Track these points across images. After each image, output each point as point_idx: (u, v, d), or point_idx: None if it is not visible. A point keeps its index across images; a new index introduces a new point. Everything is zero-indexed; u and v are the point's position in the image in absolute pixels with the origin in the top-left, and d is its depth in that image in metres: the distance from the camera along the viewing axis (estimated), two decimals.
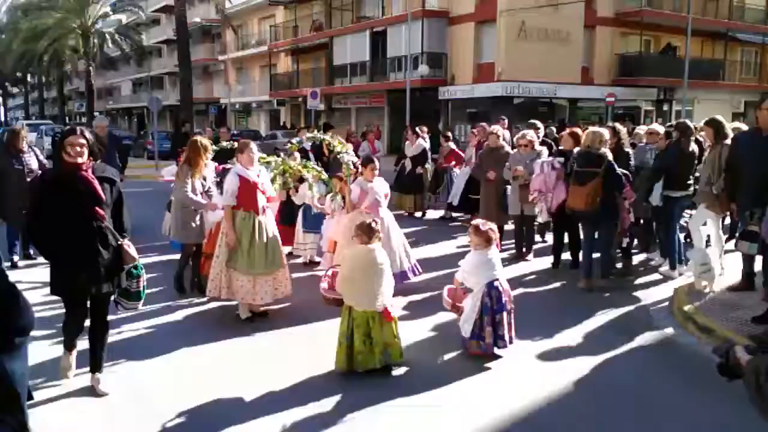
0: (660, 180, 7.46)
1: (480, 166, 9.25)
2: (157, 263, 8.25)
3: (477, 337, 5.05)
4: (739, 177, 6.39)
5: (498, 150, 9.00)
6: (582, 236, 7.51)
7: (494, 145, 9.06)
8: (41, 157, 8.48)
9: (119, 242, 4.27)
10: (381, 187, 7.02)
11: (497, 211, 8.69)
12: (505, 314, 5.06)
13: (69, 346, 4.53)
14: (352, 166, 7.48)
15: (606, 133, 7.20)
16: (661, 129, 8.35)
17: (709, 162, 7.04)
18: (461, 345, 5.20)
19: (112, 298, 4.40)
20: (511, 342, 5.11)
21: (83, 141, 4.16)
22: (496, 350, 5.10)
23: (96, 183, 4.16)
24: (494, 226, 5.30)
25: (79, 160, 4.12)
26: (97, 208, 4.13)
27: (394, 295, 5.11)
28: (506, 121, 12.19)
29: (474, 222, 5.35)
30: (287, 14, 37.93)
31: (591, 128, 7.57)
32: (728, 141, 6.92)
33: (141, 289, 4.43)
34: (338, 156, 7.83)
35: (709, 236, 7.58)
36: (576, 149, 7.65)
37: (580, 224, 7.54)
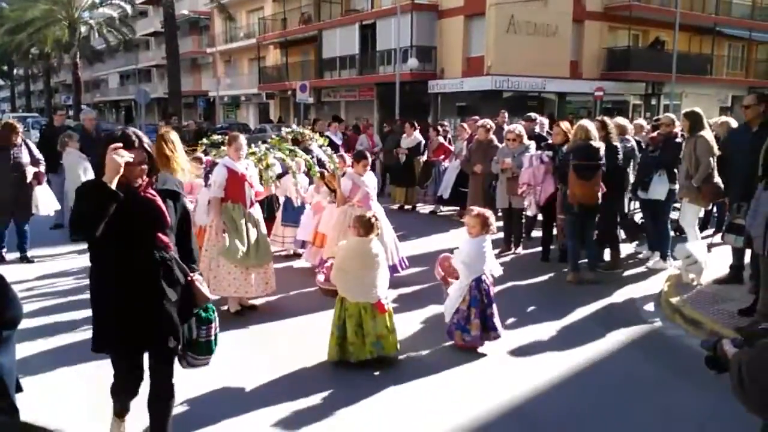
0: (655, 173, 7.55)
1: (468, 160, 9.26)
2: None
3: (461, 329, 5.07)
4: (730, 171, 6.46)
5: (486, 143, 9.04)
6: (567, 230, 7.49)
7: (483, 139, 9.09)
8: (35, 151, 8.23)
9: (189, 277, 3.24)
10: (371, 180, 7.04)
11: (484, 205, 8.69)
12: (494, 306, 5.12)
13: (119, 411, 3.51)
14: (336, 159, 7.54)
15: (592, 126, 7.22)
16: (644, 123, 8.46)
17: (686, 155, 7.10)
18: (446, 332, 5.23)
19: (178, 351, 3.31)
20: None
21: (145, 156, 3.01)
22: (484, 345, 5.13)
23: (160, 203, 3.08)
24: (490, 212, 5.33)
25: (140, 182, 3.03)
26: (160, 235, 3.08)
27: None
28: (506, 114, 12.14)
29: (470, 207, 5.38)
30: (276, 7, 37.70)
31: (581, 122, 7.59)
32: (703, 133, 6.98)
33: (213, 337, 3.40)
34: (321, 149, 7.84)
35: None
36: (567, 143, 7.69)
37: (574, 218, 7.43)
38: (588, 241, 7.32)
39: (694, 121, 7.09)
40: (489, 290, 5.13)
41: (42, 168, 8.18)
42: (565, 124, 8.19)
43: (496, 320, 5.13)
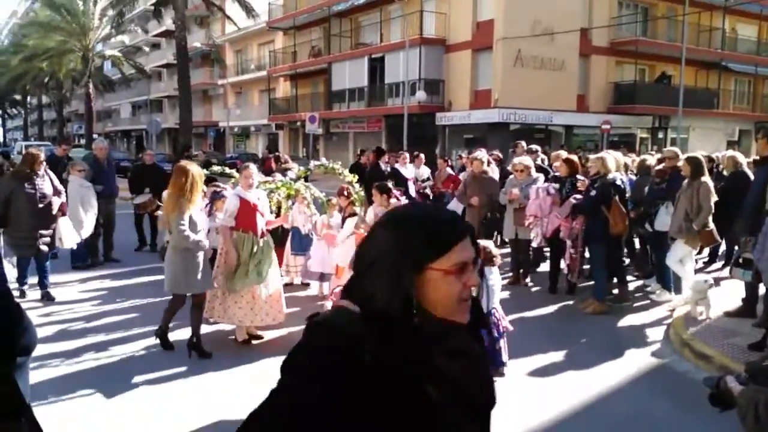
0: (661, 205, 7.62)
1: (464, 192, 9.13)
2: (152, 284, 8.27)
3: None
4: (738, 205, 6.53)
5: (482, 175, 8.95)
6: (598, 260, 7.45)
7: (478, 171, 8.97)
8: (56, 181, 7.78)
9: None
10: None
11: (481, 237, 8.70)
12: (503, 341, 5.10)
13: None
14: (358, 191, 7.55)
15: None
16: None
17: (687, 198, 7.11)
18: None
19: None
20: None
21: None
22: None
23: None
24: (491, 244, 5.32)
25: None
26: None
27: None
28: (524, 144, 12.01)
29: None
30: (286, 40, 38.33)
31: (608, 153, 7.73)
32: (704, 179, 7.04)
33: None
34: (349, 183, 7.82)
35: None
36: (573, 175, 7.79)
37: (606, 249, 7.40)
38: (600, 273, 7.35)
39: (696, 167, 7.15)
40: (498, 324, 5.10)
41: (63, 198, 7.79)
42: (573, 157, 8.26)
43: (505, 356, 5.10)
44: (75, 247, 8.37)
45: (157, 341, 5.81)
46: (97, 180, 9.48)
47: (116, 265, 9.58)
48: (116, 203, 10.20)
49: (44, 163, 7.58)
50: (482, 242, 5.23)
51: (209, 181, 8.86)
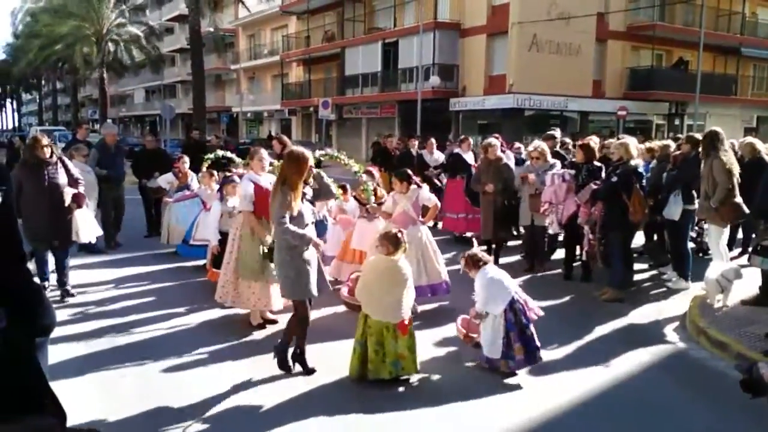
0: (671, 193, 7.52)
1: (478, 179, 8.98)
2: (165, 271, 8.34)
3: (505, 357, 4.90)
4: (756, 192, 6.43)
5: (496, 162, 8.84)
6: (619, 249, 7.32)
7: (492, 158, 8.84)
8: (73, 169, 7.09)
9: None
10: (427, 198, 6.81)
11: (494, 225, 8.66)
12: (531, 326, 4.99)
13: None
14: (367, 181, 7.50)
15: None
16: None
17: (704, 176, 7.06)
18: (485, 364, 5.04)
19: None
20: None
21: None
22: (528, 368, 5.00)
23: None
24: (475, 249, 5.25)
25: None
26: None
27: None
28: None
29: (462, 256, 5.26)
30: (300, 25, 38.19)
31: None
32: (720, 154, 6.95)
33: None
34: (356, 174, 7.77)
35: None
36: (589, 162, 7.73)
37: (626, 236, 7.33)
38: (618, 260, 7.31)
39: (710, 142, 7.07)
40: (524, 310, 4.98)
41: (81, 188, 7.05)
42: (594, 139, 8.16)
43: (537, 341, 4.97)
44: (94, 240, 7.65)
45: (171, 326, 5.84)
46: (103, 164, 9.58)
47: (127, 249, 9.63)
48: (124, 188, 10.28)
49: (57, 150, 6.98)
50: (470, 251, 5.17)
51: (218, 166, 8.91)
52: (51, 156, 6.77)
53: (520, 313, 4.94)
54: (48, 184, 6.66)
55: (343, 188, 7.77)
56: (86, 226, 7.16)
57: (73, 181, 6.93)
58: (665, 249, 8.48)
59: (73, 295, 7.00)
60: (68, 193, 6.81)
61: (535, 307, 5.14)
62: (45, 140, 6.79)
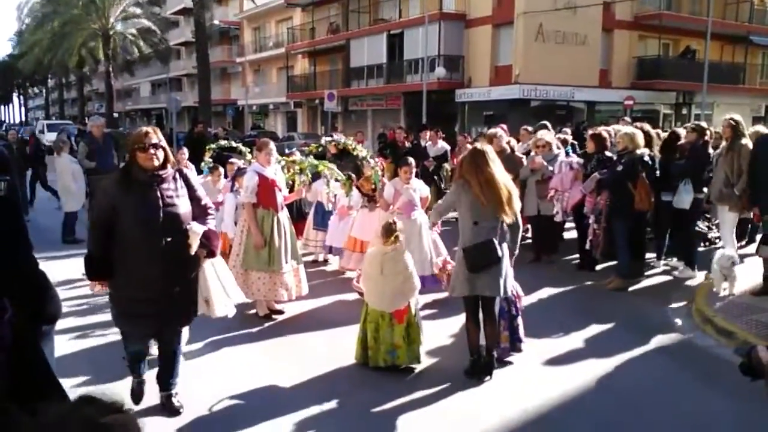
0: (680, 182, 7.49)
1: None
2: None
3: None
4: (761, 180, 6.37)
5: (500, 154, 8.76)
6: (624, 238, 7.28)
7: (498, 149, 8.79)
8: (198, 188, 4.30)
9: None
10: (421, 188, 6.91)
11: None
12: (520, 318, 5.09)
13: None
14: (375, 166, 7.49)
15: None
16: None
17: (726, 163, 7.02)
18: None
19: None
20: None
21: None
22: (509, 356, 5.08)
23: None
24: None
25: None
26: None
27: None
28: (569, 128, 11.77)
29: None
30: (305, 16, 38.09)
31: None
32: (745, 140, 6.91)
33: None
34: (362, 160, 7.77)
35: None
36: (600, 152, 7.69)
37: (631, 225, 7.29)
38: (623, 249, 7.28)
39: (736, 129, 7.06)
40: (516, 302, 5.08)
41: (212, 222, 4.14)
42: (603, 132, 8.11)
43: (521, 332, 5.10)
44: (233, 313, 4.63)
45: None
46: (92, 156, 9.78)
47: None
48: None
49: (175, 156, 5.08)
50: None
51: (221, 158, 8.93)
52: (165, 166, 3.88)
53: (511, 304, 5.02)
54: (163, 219, 3.79)
55: (351, 178, 7.77)
56: (219, 288, 4.31)
57: (200, 209, 4.06)
58: (665, 238, 8.41)
59: (180, 413, 4.17)
60: (195, 233, 3.93)
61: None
62: (155, 136, 3.82)
